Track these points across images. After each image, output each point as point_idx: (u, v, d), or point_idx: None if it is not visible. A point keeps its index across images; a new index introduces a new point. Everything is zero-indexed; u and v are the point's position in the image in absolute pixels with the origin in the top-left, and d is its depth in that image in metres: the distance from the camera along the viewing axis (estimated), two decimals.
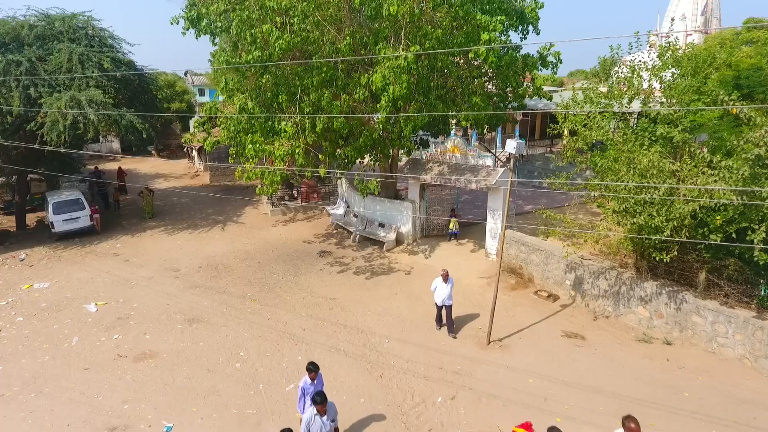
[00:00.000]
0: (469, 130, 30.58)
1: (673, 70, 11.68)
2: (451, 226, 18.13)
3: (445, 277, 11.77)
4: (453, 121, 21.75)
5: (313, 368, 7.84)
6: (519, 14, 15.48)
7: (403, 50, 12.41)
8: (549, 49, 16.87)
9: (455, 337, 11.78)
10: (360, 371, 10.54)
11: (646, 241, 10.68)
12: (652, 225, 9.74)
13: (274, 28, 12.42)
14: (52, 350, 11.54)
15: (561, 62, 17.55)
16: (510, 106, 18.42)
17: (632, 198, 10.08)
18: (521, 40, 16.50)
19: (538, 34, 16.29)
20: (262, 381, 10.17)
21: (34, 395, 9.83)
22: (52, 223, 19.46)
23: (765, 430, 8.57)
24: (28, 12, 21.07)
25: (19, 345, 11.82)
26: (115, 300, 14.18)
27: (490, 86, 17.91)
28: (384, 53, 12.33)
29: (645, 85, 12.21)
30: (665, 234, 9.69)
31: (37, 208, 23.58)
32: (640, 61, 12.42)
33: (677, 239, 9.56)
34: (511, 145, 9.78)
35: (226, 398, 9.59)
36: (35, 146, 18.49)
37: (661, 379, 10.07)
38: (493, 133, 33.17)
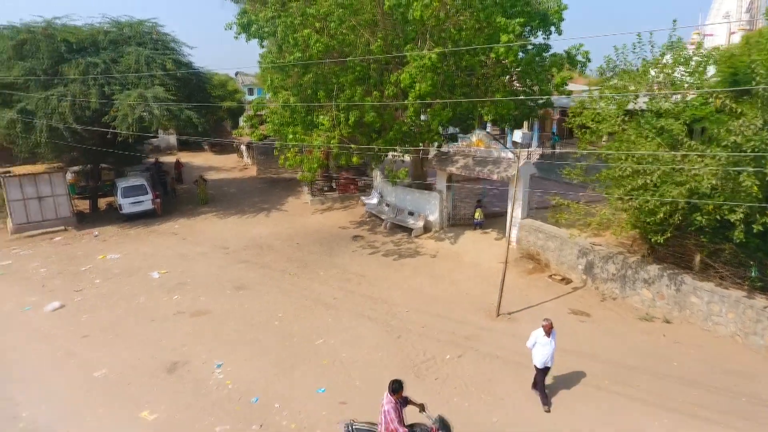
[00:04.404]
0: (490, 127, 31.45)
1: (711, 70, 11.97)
2: (476, 215, 19.23)
3: (548, 330, 9.00)
4: (488, 119, 22.76)
5: None
6: (542, 16, 16.49)
7: (428, 51, 13.78)
8: (578, 49, 17.72)
9: (549, 410, 9.17)
10: (381, 333, 12.03)
11: (645, 225, 11.60)
12: (647, 209, 10.70)
13: (313, 33, 14.10)
14: (124, 306, 13.77)
15: (590, 61, 18.31)
16: (537, 103, 19.38)
17: (629, 185, 11.06)
18: (544, 41, 17.44)
19: (560, 34, 17.20)
20: (296, 336, 11.87)
21: (112, 337, 11.99)
22: (120, 205, 22.10)
23: (744, 394, 9.39)
24: (102, 19, 23.84)
25: (98, 301, 14.12)
26: (174, 270, 16.36)
27: (517, 84, 18.93)
28: (411, 54, 13.75)
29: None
30: (659, 216, 10.64)
31: (107, 194, 26.44)
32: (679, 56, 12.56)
33: (670, 218, 10.46)
34: (518, 135, 10.97)
35: (266, 346, 11.37)
36: (108, 133, 20.87)
37: (654, 351, 10.99)
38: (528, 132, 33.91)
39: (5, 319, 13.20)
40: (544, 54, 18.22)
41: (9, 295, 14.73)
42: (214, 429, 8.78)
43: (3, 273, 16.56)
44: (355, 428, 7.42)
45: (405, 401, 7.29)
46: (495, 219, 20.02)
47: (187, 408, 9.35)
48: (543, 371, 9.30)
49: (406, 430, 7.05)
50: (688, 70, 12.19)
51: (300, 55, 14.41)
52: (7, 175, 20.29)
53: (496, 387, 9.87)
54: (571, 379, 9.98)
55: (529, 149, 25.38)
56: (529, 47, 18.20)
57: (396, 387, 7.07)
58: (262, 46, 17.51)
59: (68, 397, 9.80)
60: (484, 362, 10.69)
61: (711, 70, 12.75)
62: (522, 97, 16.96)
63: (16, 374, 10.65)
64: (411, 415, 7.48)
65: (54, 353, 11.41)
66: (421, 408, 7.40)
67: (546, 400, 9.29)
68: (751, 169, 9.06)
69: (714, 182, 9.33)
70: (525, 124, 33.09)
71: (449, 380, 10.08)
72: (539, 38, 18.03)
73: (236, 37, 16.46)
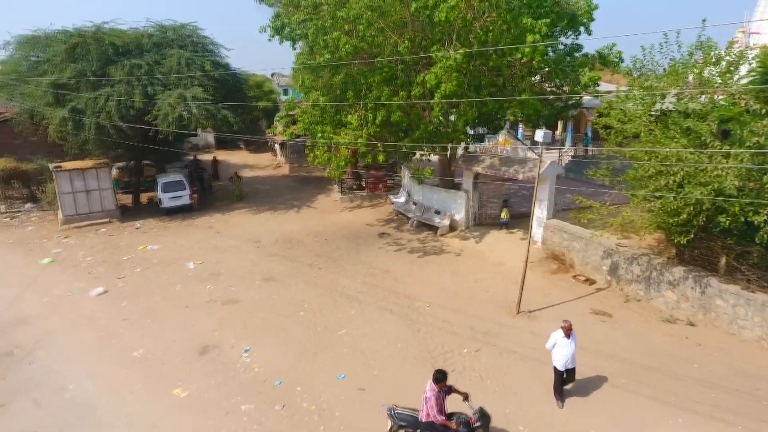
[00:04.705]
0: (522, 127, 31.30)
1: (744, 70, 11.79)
2: (502, 215, 19.30)
3: (568, 331, 9.08)
4: (513, 119, 22.83)
5: None
6: (571, 16, 16.46)
7: (453, 51, 14.05)
8: (611, 49, 17.60)
9: (562, 407, 9.31)
10: (402, 326, 12.39)
11: (669, 226, 11.52)
12: (669, 209, 10.66)
13: (342, 35, 14.60)
14: (161, 293, 14.66)
15: (622, 61, 18.15)
16: (567, 104, 19.31)
17: (653, 185, 11.03)
18: (573, 41, 17.38)
19: (589, 34, 17.10)
20: (320, 326, 12.38)
21: (150, 321, 12.85)
22: (160, 199, 23.29)
23: (766, 398, 9.27)
24: (147, 23, 25.09)
25: (138, 288, 15.09)
26: (209, 261, 17.22)
27: (546, 85, 18.90)
28: (437, 55, 14.05)
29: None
30: (683, 217, 10.59)
31: (148, 189, 27.78)
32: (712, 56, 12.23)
33: (694, 219, 10.40)
34: (540, 134, 11.12)
35: (292, 334, 11.93)
36: (150, 131, 21.93)
37: (675, 353, 10.93)
38: (561, 132, 33.49)
39: (56, 302, 14.29)
40: (576, 54, 18.15)
41: (59, 280, 15.90)
42: (240, 407, 9.37)
43: (54, 260, 17.83)
44: (397, 413, 7.84)
45: (449, 390, 7.60)
46: (522, 219, 20.00)
47: (216, 387, 10.00)
48: (562, 373, 9.29)
49: (444, 418, 7.35)
50: (719, 70, 12.02)
51: (330, 56, 14.95)
52: (59, 169, 21.70)
53: (511, 381, 10.08)
54: (589, 377, 10.06)
55: (562, 149, 25.26)
56: (560, 47, 18.18)
57: (439, 377, 7.33)
58: (294, 48, 18.17)
59: (109, 374, 10.63)
60: (501, 357, 10.90)
61: (745, 69, 12.48)
62: (546, 97, 16.95)
63: (64, 351, 11.60)
64: (454, 403, 7.84)
65: (97, 333, 12.36)
66: (465, 397, 7.71)
67: (560, 398, 9.41)
68: None
69: (737, 183, 9.25)
70: (559, 124, 32.87)
71: (465, 372, 10.35)
72: (569, 38, 17.98)
73: (270, 39, 17.14)
